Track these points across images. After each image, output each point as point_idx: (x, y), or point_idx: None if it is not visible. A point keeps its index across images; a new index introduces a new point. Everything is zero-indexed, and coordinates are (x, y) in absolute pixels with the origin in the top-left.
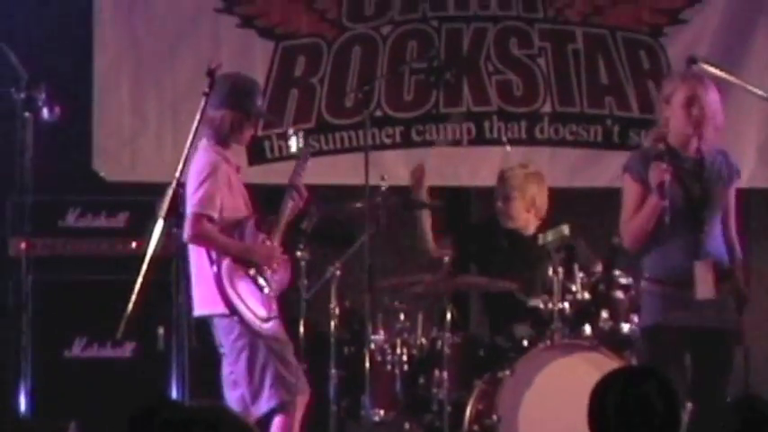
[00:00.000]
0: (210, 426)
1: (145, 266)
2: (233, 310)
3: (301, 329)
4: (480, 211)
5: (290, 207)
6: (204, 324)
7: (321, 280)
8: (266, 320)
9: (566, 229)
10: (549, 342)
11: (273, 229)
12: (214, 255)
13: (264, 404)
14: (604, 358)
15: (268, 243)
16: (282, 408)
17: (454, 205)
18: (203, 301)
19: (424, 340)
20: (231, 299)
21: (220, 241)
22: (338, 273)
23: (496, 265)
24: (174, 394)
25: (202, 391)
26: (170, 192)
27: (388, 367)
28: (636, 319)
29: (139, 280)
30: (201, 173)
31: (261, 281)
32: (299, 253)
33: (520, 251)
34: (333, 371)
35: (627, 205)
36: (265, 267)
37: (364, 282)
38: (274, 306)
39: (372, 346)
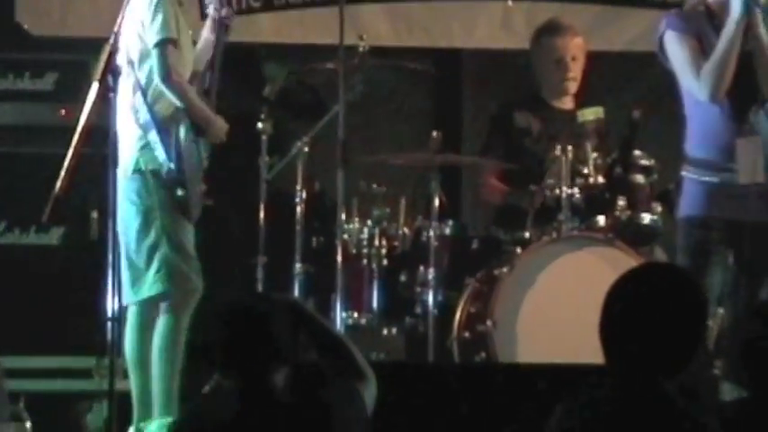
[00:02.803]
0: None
1: (76, 137)
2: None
3: (261, 216)
4: (473, 78)
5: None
6: None
7: (286, 157)
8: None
9: (601, 112)
10: (555, 234)
11: (212, 93)
12: (145, 113)
13: (145, 291)
14: (621, 254)
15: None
16: (169, 303)
17: (445, 71)
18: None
19: (406, 230)
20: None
21: (190, 97)
22: (306, 149)
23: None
24: (108, 289)
25: None
26: (107, 48)
27: (364, 262)
28: (659, 208)
29: (69, 153)
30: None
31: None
32: (259, 125)
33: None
34: (298, 265)
35: (688, 59)
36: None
37: (337, 159)
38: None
39: (345, 236)
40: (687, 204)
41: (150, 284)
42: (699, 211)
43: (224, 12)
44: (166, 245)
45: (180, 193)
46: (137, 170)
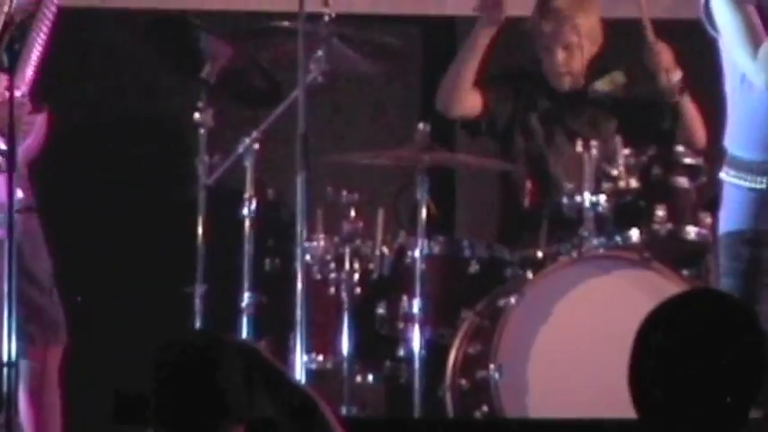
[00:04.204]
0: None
1: None
2: None
3: (199, 231)
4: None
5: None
6: None
7: (230, 157)
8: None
9: (621, 77)
10: (575, 253)
11: (20, 65)
12: None
13: None
14: (659, 278)
15: (16, 93)
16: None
17: (434, 46)
18: None
19: (386, 249)
20: None
21: None
22: (256, 146)
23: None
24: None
25: None
26: None
27: (332, 290)
28: (708, 219)
29: None
30: None
31: None
32: (196, 115)
33: (566, 114)
34: (247, 295)
35: (743, 31)
36: None
37: (296, 159)
38: (20, 194)
39: (308, 257)
40: (731, 217)
41: None
42: (747, 225)
43: None
44: None
45: None
46: None
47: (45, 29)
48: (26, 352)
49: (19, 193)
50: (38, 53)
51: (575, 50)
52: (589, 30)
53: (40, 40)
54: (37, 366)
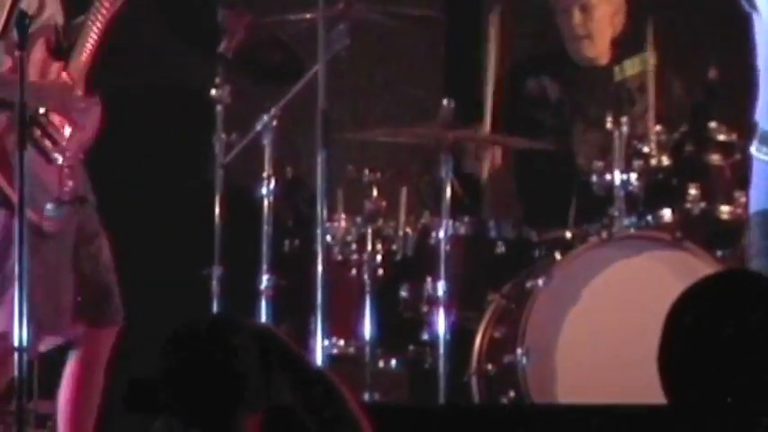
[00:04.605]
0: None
1: None
2: None
3: (216, 212)
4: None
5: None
6: None
7: (249, 134)
8: (54, 210)
9: (651, 58)
10: (605, 234)
11: (77, 51)
12: None
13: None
14: (693, 259)
15: (65, 77)
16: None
17: (459, 18)
18: None
19: (409, 230)
20: None
21: None
22: (275, 123)
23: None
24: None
25: None
26: None
27: (353, 272)
28: (743, 198)
29: None
30: None
31: (48, 144)
32: (214, 91)
33: (587, 94)
34: (265, 277)
35: None
36: (58, 119)
37: (316, 137)
38: (71, 183)
39: (328, 238)
40: (762, 194)
41: None
42: None
43: None
44: None
45: None
46: None
47: (101, 17)
48: (86, 334)
49: (69, 183)
50: (93, 41)
51: (592, 12)
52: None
53: (95, 28)
54: (96, 348)
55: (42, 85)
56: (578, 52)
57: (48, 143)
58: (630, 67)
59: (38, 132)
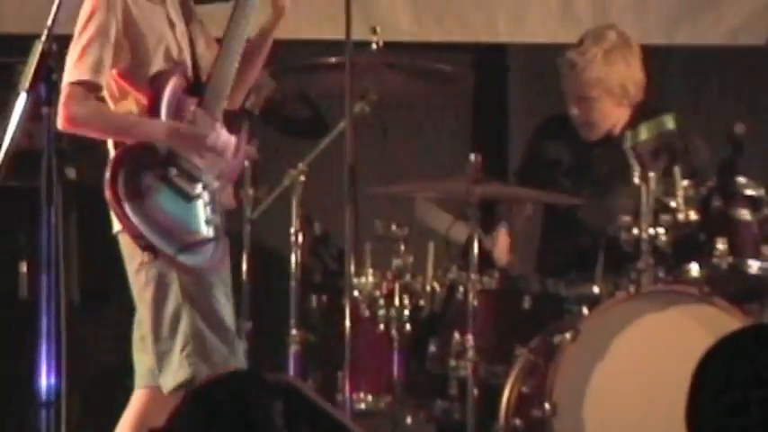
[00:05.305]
0: None
1: None
2: (136, 234)
3: (244, 267)
4: (523, 83)
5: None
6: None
7: (276, 190)
8: (189, 247)
9: (669, 122)
10: (632, 288)
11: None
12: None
13: (171, 378)
14: (720, 314)
15: (203, 115)
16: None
17: (485, 75)
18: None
19: (437, 285)
20: (128, 215)
21: (109, 120)
22: (302, 179)
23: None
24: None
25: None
26: (37, 50)
27: (381, 327)
28: None
29: None
30: (84, 16)
31: (182, 184)
32: None
33: (601, 162)
34: (293, 332)
35: None
36: (197, 158)
37: (343, 192)
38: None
39: (356, 293)
40: None
41: (176, 370)
42: None
43: None
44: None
45: None
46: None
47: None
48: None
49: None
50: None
51: (593, 104)
52: (618, 83)
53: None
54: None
55: (174, 126)
56: (582, 134)
57: (183, 184)
58: (646, 131)
59: (173, 172)
